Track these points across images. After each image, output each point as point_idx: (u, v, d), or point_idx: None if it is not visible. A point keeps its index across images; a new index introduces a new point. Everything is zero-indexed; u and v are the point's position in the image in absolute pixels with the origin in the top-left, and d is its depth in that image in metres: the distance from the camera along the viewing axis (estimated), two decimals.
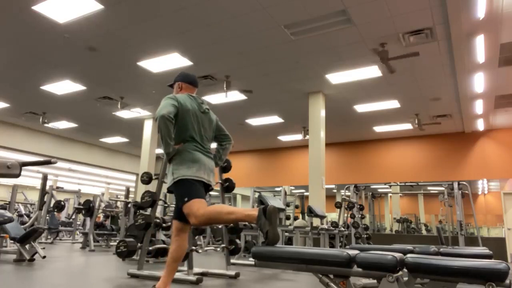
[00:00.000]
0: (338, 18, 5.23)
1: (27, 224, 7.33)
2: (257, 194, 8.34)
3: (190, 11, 5.20)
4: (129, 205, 7.69)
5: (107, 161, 14.44)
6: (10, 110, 10.08)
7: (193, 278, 3.54)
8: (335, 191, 14.26)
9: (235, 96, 8.13)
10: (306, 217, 8.27)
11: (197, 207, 2.37)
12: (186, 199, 2.41)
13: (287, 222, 9.42)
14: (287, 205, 9.28)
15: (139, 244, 4.00)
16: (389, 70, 6.19)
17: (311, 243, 6.97)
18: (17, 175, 1.49)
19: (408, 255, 1.99)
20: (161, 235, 5.74)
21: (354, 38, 5.74)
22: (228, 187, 4.46)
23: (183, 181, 2.46)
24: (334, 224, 7.82)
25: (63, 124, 11.19)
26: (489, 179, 10.23)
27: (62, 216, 13.14)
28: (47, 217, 9.01)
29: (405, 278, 2.01)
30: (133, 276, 3.84)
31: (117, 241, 4.53)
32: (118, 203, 12.15)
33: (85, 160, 13.61)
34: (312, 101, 8.00)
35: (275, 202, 6.57)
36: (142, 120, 10.53)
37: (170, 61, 6.71)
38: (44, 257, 4.83)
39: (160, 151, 11.73)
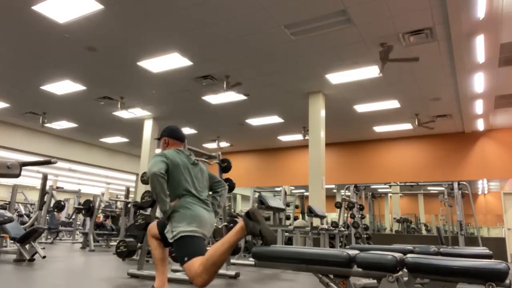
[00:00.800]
0: (338, 18, 5.23)
1: (27, 224, 7.34)
2: (257, 194, 8.34)
3: (190, 11, 5.20)
4: (129, 205, 7.70)
5: (107, 161, 14.44)
6: (10, 110, 10.08)
7: None
8: (335, 191, 14.26)
9: (235, 96, 8.13)
10: (306, 217, 8.27)
11: (197, 265, 2.25)
12: (186, 259, 2.31)
13: (287, 222, 9.42)
14: (287, 205, 9.28)
15: (139, 244, 4.00)
16: (380, 69, 6.16)
17: (311, 243, 6.97)
18: (17, 175, 1.49)
19: (408, 255, 1.99)
20: None
21: (354, 38, 5.73)
22: (228, 187, 4.45)
23: (183, 238, 2.38)
24: (334, 224, 7.83)
25: (63, 124, 11.19)
26: (489, 179, 10.23)
27: (62, 216, 13.14)
28: (47, 217, 9.01)
29: (405, 278, 2.01)
30: (133, 276, 3.84)
31: (117, 241, 4.53)
32: (119, 203, 12.16)
33: (85, 160, 13.61)
34: (312, 101, 8.00)
35: (275, 202, 6.57)
36: (142, 120, 10.53)
37: (170, 61, 6.71)
38: (44, 257, 4.83)
39: (160, 151, 11.74)
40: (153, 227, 2.68)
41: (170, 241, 2.44)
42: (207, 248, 2.39)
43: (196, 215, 2.46)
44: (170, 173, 2.54)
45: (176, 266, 4.35)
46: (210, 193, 2.85)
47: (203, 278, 2.21)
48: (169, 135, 2.82)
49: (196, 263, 2.25)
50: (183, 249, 2.36)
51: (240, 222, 2.18)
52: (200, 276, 2.21)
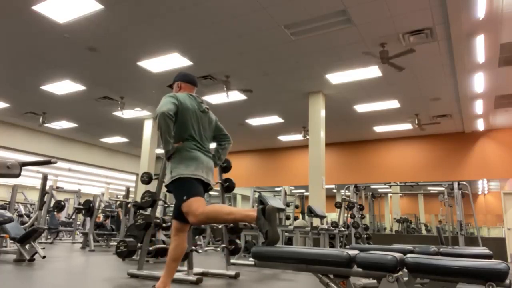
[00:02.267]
0: (338, 18, 5.23)
1: (27, 224, 7.33)
2: (257, 194, 8.34)
3: (190, 11, 5.20)
4: (129, 205, 7.70)
5: (107, 161, 14.44)
6: (10, 110, 10.08)
7: (193, 278, 3.54)
8: (335, 191, 14.25)
9: (235, 96, 8.13)
10: (306, 217, 8.27)
11: (196, 205, 2.36)
12: (185, 197, 2.40)
13: (287, 222, 9.42)
14: (287, 205, 9.28)
15: (139, 244, 4.00)
16: (399, 68, 6.12)
17: (311, 243, 6.97)
18: (17, 175, 1.49)
19: (408, 255, 1.99)
20: (161, 235, 5.74)
21: (354, 38, 5.74)
22: (228, 187, 4.46)
23: (182, 180, 2.45)
24: (334, 224, 7.83)
25: (63, 124, 11.19)
26: (489, 179, 10.23)
27: (62, 216, 13.14)
28: (47, 217, 9.01)
29: (405, 278, 2.01)
30: (133, 276, 3.84)
31: (117, 241, 4.53)
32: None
33: (85, 160, 13.61)
34: (312, 101, 8.00)
35: (275, 202, 6.57)
36: (142, 120, 10.53)
37: (170, 61, 6.71)
38: (44, 257, 4.83)
39: (160, 151, 11.73)
40: (174, 220, 2.60)
41: (168, 182, 2.51)
42: (203, 193, 2.51)
43: (194, 157, 2.52)
44: (179, 116, 2.56)
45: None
46: (214, 144, 2.87)
47: (198, 219, 2.35)
48: (182, 78, 2.83)
49: (195, 204, 2.37)
50: (181, 189, 2.44)
51: (255, 212, 2.20)
52: (197, 216, 2.34)
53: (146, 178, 4.30)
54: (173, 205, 2.86)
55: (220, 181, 4.45)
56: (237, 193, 15.01)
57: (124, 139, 12.81)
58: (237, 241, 4.65)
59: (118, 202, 9.24)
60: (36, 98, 8.99)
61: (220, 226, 4.64)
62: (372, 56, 6.01)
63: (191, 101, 2.67)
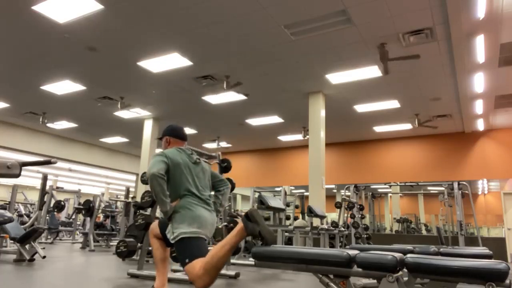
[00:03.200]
0: (338, 18, 5.22)
1: (27, 224, 7.34)
2: (257, 194, 8.34)
3: (190, 11, 5.20)
4: (129, 204, 7.70)
5: (107, 161, 14.44)
6: (10, 110, 10.08)
7: None
8: (335, 191, 14.26)
9: (235, 96, 8.13)
10: (306, 217, 8.26)
11: (198, 268, 2.24)
12: (187, 260, 2.31)
13: (287, 222, 9.42)
14: (287, 205, 9.27)
15: (139, 244, 4.00)
16: (385, 71, 6.17)
17: (311, 243, 6.97)
18: (17, 175, 1.49)
19: (408, 255, 1.99)
20: None
21: (354, 38, 5.73)
22: None
23: (184, 240, 2.37)
24: (334, 224, 7.83)
25: (63, 124, 11.19)
26: (489, 179, 10.23)
27: (62, 216, 13.15)
28: (47, 217, 9.01)
29: (405, 278, 2.01)
30: (133, 276, 3.84)
31: (117, 241, 4.53)
32: (118, 203, 12.16)
33: (85, 160, 13.61)
34: (312, 101, 8.00)
35: (275, 202, 6.57)
36: (142, 120, 10.53)
37: (170, 61, 6.71)
38: (44, 257, 4.83)
39: (160, 151, 11.74)
40: (154, 227, 2.66)
41: (171, 242, 2.42)
42: (209, 248, 2.39)
43: (197, 215, 2.44)
44: (171, 173, 2.51)
45: (176, 266, 4.35)
46: (213, 192, 2.83)
47: (204, 280, 2.21)
48: (171, 133, 2.80)
49: (197, 265, 2.24)
50: (184, 250, 2.35)
51: (240, 224, 2.18)
52: (201, 278, 2.21)
53: (146, 179, 4.30)
54: None
55: None
56: (237, 193, 15.01)
57: (124, 139, 12.81)
58: None
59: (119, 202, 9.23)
60: (36, 98, 8.99)
61: (220, 226, 4.64)
62: (374, 59, 6.02)
63: (180, 155, 2.62)
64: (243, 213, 2.17)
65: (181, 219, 2.41)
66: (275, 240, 2.16)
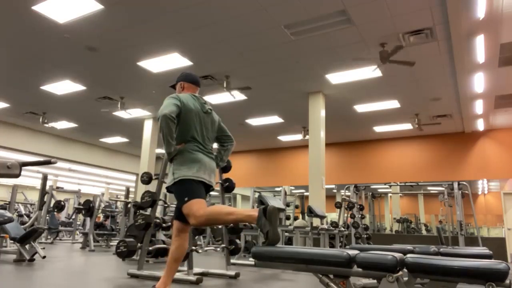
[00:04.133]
0: (338, 18, 5.23)
1: (27, 224, 7.33)
2: (257, 194, 8.34)
3: (190, 11, 5.20)
4: (129, 205, 7.69)
5: (107, 161, 14.44)
6: (10, 110, 10.08)
7: (193, 278, 3.54)
8: (335, 191, 14.25)
9: (235, 96, 8.13)
10: (306, 217, 8.26)
11: (197, 207, 2.36)
12: (186, 199, 2.40)
13: (287, 222, 9.42)
14: (287, 205, 9.27)
15: (139, 244, 4.00)
16: (379, 66, 6.14)
17: (311, 243, 6.96)
18: (17, 175, 1.49)
19: (408, 255, 1.99)
20: (161, 235, 5.74)
21: (354, 38, 5.74)
22: (228, 187, 4.46)
23: (184, 181, 2.45)
24: (334, 224, 7.82)
25: (63, 124, 11.19)
26: (489, 179, 10.23)
27: (62, 216, 13.14)
28: (47, 217, 9.01)
29: (405, 278, 2.01)
30: (133, 276, 3.84)
31: (117, 241, 4.53)
32: (118, 203, 12.16)
33: (85, 160, 13.61)
34: (312, 101, 8.00)
35: (275, 202, 6.57)
36: (142, 120, 10.53)
37: (170, 61, 6.71)
38: (44, 257, 4.83)
39: (160, 151, 11.73)
40: (175, 221, 2.62)
41: (172, 182, 2.48)
42: (205, 195, 2.51)
43: (197, 159, 2.51)
44: (181, 117, 2.54)
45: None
46: (215, 145, 2.86)
47: (198, 221, 2.35)
48: (185, 79, 2.80)
49: (196, 205, 2.36)
50: (183, 191, 2.44)
51: (256, 213, 2.19)
52: (198, 218, 2.34)
53: (146, 178, 4.30)
54: (173, 205, 2.87)
55: (220, 181, 4.45)
56: (237, 193, 15.00)
57: (124, 139, 12.81)
58: (237, 241, 4.65)
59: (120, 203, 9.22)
60: (36, 98, 8.99)
61: (220, 226, 4.64)
62: (368, 59, 6.02)
63: (194, 102, 2.64)
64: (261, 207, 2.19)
65: (182, 162, 2.49)
66: (277, 243, 2.16)
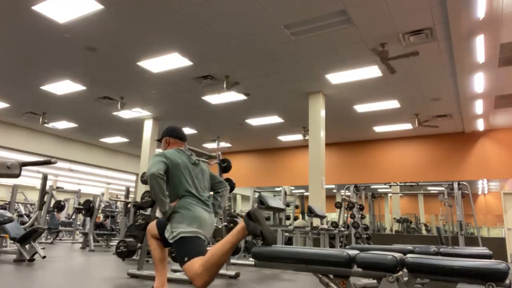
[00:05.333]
0: (338, 18, 5.22)
1: (27, 224, 7.34)
2: (257, 194, 8.34)
3: (190, 11, 5.20)
4: (129, 205, 7.70)
5: (107, 161, 14.44)
6: (10, 110, 10.08)
7: None
8: (335, 191, 14.27)
9: (235, 96, 8.13)
10: (306, 217, 8.26)
11: (197, 266, 2.24)
12: (186, 259, 2.31)
13: (287, 222, 9.42)
14: (287, 205, 9.27)
15: (139, 244, 4.00)
16: (390, 70, 6.19)
17: (311, 243, 6.97)
18: (17, 175, 1.49)
19: (408, 255, 1.99)
20: None
21: (354, 38, 5.73)
22: (228, 187, 4.45)
23: (183, 239, 2.37)
24: (334, 224, 7.83)
25: (63, 124, 11.19)
26: (489, 179, 10.23)
27: (62, 216, 13.15)
28: (47, 217, 9.01)
29: (405, 278, 2.01)
30: (133, 276, 3.84)
31: (117, 241, 4.53)
32: (118, 203, 12.16)
33: (85, 160, 13.61)
34: (312, 101, 8.00)
35: (275, 202, 6.57)
36: (142, 120, 10.53)
37: (170, 61, 6.71)
38: (44, 257, 4.83)
39: (160, 151, 11.73)
40: (152, 227, 2.67)
41: (170, 241, 2.42)
42: (207, 248, 2.38)
43: (196, 216, 2.44)
44: (170, 173, 2.52)
45: (176, 266, 4.35)
46: (211, 193, 2.83)
47: (203, 279, 2.20)
48: (170, 134, 2.81)
49: (196, 264, 2.24)
50: (183, 249, 2.35)
51: (241, 223, 2.18)
52: (201, 276, 2.20)
53: (146, 179, 4.30)
54: None
55: None
56: (237, 193, 15.02)
57: (124, 139, 12.81)
58: None
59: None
60: (36, 98, 8.99)
61: (220, 226, 4.64)
62: (374, 55, 6.02)
63: (180, 155, 2.63)
64: (244, 214, 2.17)
65: (180, 219, 2.42)
66: (275, 240, 2.16)
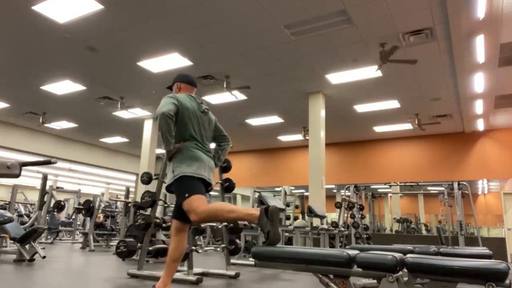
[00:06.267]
0: (338, 18, 5.23)
1: (27, 224, 7.34)
2: (257, 194, 8.34)
3: (190, 11, 5.20)
4: (129, 205, 7.69)
5: (107, 161, 14.44)
6: (10, 110, 10.08)
7: (193, 278, 3.54)
8: (335, 191, 14.26)
9: (236, 96, 8.13)
10: (306, 217, 8.26)
11: (198, 203, 2.37)
12: (186, 195, 2.41)
13: (287, 222, 9.42)
14: (287, 205, 9.27)
15: (139, 244, 4.00)
16: (379, 67, 6.13)
17: (311, 243, 6.97)
18: (17, 175, 1.49)
19: (408, 255, 1.99)
20: (161, 235, 5.73)
21: (354, 38, 5.74)
22: (228, 187, 4.45)
23: (184, 178, 2.47)
24: (334, 224, 7.82)
25: (63, 124, 11.19)
26: (489, 179, 10.23)
27: (62, 216, 13.14)
28: (47, 217, 9.01)
29: (405, 278, 2.01)
30: (133, 276, 3.84)
31: (117, 241, 4.54)
32: (118, 203, 12.16)
33: (85, 160, 13.61)
34: (312, 101, 8.00)
35: (275, 202, 6.57)
36: (142, 120, 10.53)
37: (170, 61, 6.71)
38: (44, 257, 4.83)
39: (160, 151, 11.73)
40: (173, 220, 2.62)
41: (172, 180, 2.49)
42: (205, 192, 2.52)
43: (196, 156, 2.54)
44: (179, 116, 2.58)
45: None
46: (213, 145, 2.89)
47: (199, 217, 2.35)
48: (182, 79, 2.87)
49: (197, 201, 2.37)
50: (184, 187, 2.44)
51: (257, 211, 2.20)
52: (199, 214, 2.34)
53: (146, 178, 4.30)
54: (173, 205, 2.86)
55: (220, 181, 4.44)
56: (237, 193, 15.03)
57: (124, 139, 12.81)
58: (237, 241, 4.65)
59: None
60: (36, 98, 8.99)
61: (220, 226, 4.64)
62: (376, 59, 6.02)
63: (191, 101, 2.69)
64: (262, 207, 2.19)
65: (181, 159, 2.51)
66: (278, 243, 2.16)
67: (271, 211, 2.16)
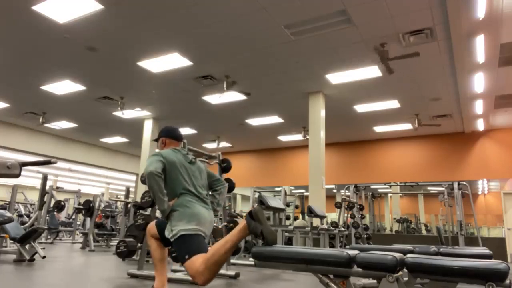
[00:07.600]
0: (338, 18, 5.22)
1: (27, 224, 7.34)
2: (257, 194, 8.34)
3: (190, 11, 5.20)
4: (129, 205, 7.70)
5: (107, 161, 14.44)
6: (10, 110, 10.08)
7: None
8: (335, 191, 14.27)
9: (235, 96, 8.13)
10: (306, 217, 8.26)
11: (198, 263, 2.25)
12: (187, 256, 2.31)
13: (287, 222, 9.42)
14: (287, 205, 9.27)
15: (139, 244, 4.00)
16: (388, 71, 6.19)
17: (311, 243, 6.97)
18: (17, 175, 1.49)
19: (408, 255, 1.99)
20: None
21: (354, 38, 5.73)
22: (228, 187, 4.46)
23: (183, 237, 2.38)
24: (334, 224, 7.82)
25: (63, 124, 11.19)
26: (489, 179, 10.23)
27: (62, 216, 13.15)
28: (47, 217, 9.01)
29: (405, 278, 2.01)
30: (133, 276, 3.84)
31: (117, 241, 4.54)
32: (118, 203, 12.16)
33: (85, 160, 13.61)
34: (312, 101, 8.00)
35: (275, 202, 6.57)
36: (142, 120, 10.53)
37: (170, 61, 6.71)
38: (44, 257, 4.83)
39: (156, 151, 11.72)
40: (152, 227, 2.68)
41: (171, 240, 2.43)
42: (208, 247, 2.39)
43: (195, 213, 2.45)
44: (167, 172, 2.55)
45: (176, 266, 4.35)
46: (210, 192, 2.85)
47: (205, 277, 2.22)
48: (166, 135, 2.86)
49: (197, 261, 2.25)
50: (184, 247, 2.36)
51: (243, 222, 2.19)
52: (202, 274, 2.22)
53: (144, 178, 4.30)
54: None
55: None
56: (237, 193, 15.02)
57: (124, 139, 12.81)
58: None
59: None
60: (36, 98, 8.99)
61: (220, 226, 4.64)
62: (375, 56, 6.01)
63: (176, 154, 2.66)
64: (244, 214, 2.17)
65: (180, 217, 2.43)
66: (275, 241, 2.17)
67: (254, 212, 2.15)
